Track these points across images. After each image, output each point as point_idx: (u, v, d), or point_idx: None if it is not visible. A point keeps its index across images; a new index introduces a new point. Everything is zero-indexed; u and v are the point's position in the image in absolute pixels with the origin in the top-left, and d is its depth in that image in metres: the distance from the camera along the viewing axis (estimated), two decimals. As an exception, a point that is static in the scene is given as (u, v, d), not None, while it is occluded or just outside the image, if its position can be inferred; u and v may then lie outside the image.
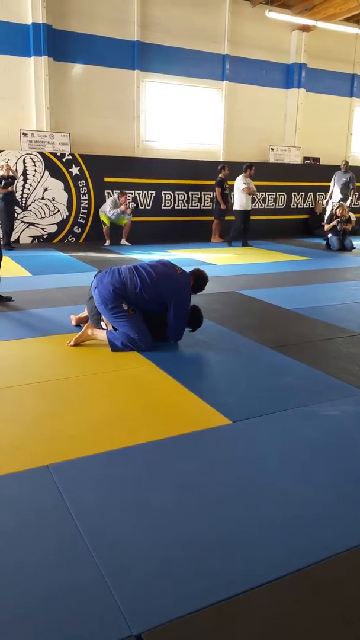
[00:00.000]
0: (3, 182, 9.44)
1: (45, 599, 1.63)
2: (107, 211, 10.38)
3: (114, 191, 10.77)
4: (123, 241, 10.73)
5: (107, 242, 10.62)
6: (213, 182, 11.70)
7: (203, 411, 3.00)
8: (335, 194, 11.58)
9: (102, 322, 4.21)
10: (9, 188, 9.53)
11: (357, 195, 12.22)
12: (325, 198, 12.11)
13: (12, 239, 9.93)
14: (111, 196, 10.69)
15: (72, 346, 4.06)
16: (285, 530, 1.98)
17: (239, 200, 10.60)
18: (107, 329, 4.12)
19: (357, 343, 4.31)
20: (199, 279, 4.28)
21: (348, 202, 11.44)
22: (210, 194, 12.18)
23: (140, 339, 3.97)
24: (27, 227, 10.60)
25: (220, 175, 11.03)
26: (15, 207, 10.07)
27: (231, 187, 11.17)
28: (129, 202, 10.47)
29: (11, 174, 9.59)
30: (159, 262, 4.30)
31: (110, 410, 3.00)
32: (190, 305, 4.20)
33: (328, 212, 11.29)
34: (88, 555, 1.81)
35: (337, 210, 10.80)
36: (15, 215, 10.13)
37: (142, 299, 4.01)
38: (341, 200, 11.39)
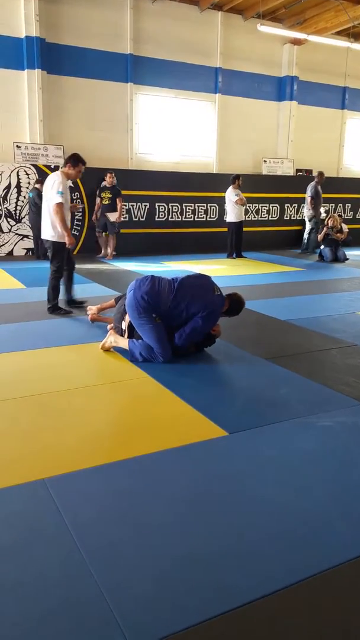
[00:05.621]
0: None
1: (44, 616, 1.61)
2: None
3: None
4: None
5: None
6: (206, 194, 11.75)
7: (199, 423, 2.99)
8: (321, 207, 11.47)
9: (123, 322, 4.28)
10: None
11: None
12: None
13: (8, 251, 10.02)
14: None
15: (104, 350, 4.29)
16: (283, 543, 1.97)
17: (233, 212, 10.61)
18: (129, 338, 4.16)
19: (352, 354, 4.32)
20: (234, 302, 4.23)
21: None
22: (204, 206, 12.23)
23: (159, 350, 3.96)
24: (21, 239, 10.61)
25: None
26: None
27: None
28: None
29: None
30: (200, 275, 4.33)
31: (107, 423, 2.99)
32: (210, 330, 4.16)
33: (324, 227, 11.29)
34: (86, 570, 1.79)
35: (329, 221, 10.87)
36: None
37: (172, 311, 3.96)
38: (326, 212, 11.44)
